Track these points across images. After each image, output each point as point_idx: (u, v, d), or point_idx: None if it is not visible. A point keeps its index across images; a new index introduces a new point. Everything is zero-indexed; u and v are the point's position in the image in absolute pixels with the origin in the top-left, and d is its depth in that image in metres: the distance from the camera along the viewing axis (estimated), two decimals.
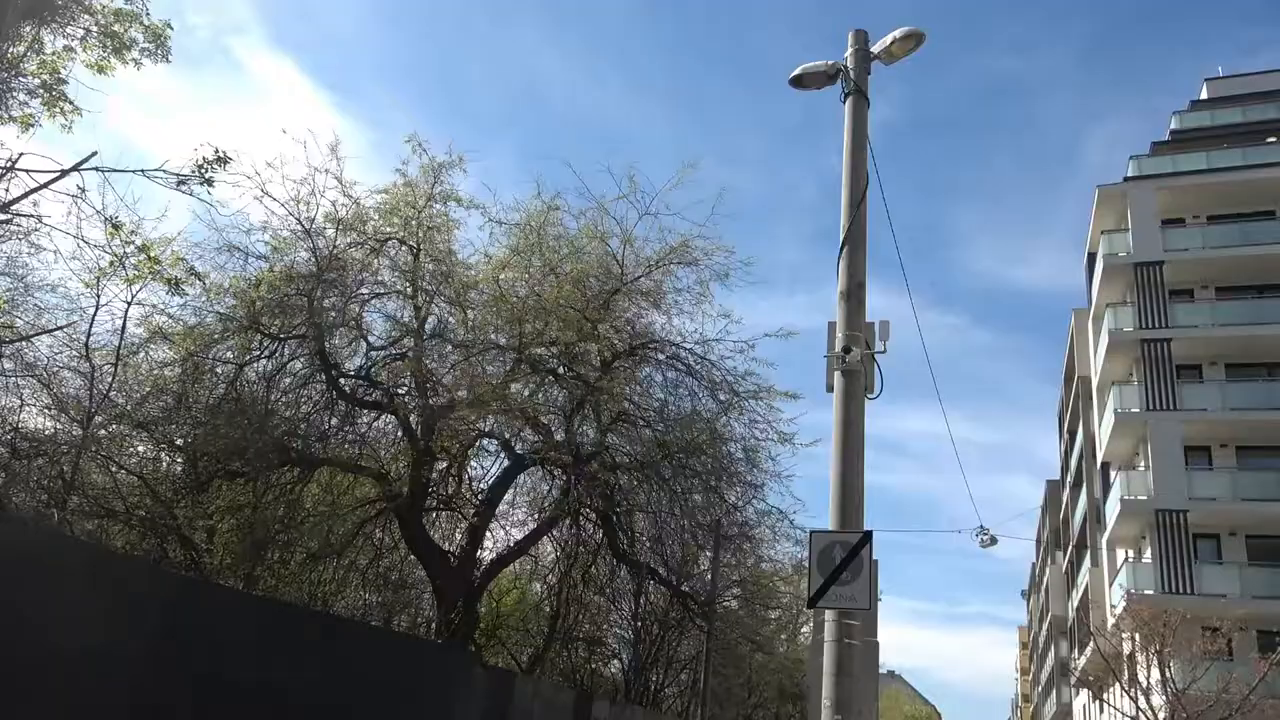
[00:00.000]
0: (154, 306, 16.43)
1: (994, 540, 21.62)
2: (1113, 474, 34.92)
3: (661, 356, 20.18)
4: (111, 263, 11.58)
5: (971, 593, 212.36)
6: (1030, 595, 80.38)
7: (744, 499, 21.07)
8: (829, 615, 6.49)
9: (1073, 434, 46.23)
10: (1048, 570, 58.62)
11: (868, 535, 6.64)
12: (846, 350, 7.49)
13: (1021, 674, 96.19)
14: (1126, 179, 37.16)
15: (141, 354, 16.80)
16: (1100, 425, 37.02)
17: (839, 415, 7.23)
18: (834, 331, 7.82)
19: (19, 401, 15.17)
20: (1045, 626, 60.34)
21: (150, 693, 9.73)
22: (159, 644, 9.85)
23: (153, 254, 11.09)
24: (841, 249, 8.06)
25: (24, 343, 14.29)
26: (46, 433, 15.20)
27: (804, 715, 51.19)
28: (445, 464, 20.31)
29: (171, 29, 11.68)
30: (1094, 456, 38.57)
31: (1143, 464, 32.95)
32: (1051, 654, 56.08)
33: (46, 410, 15.52)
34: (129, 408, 16.13)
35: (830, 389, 7.62)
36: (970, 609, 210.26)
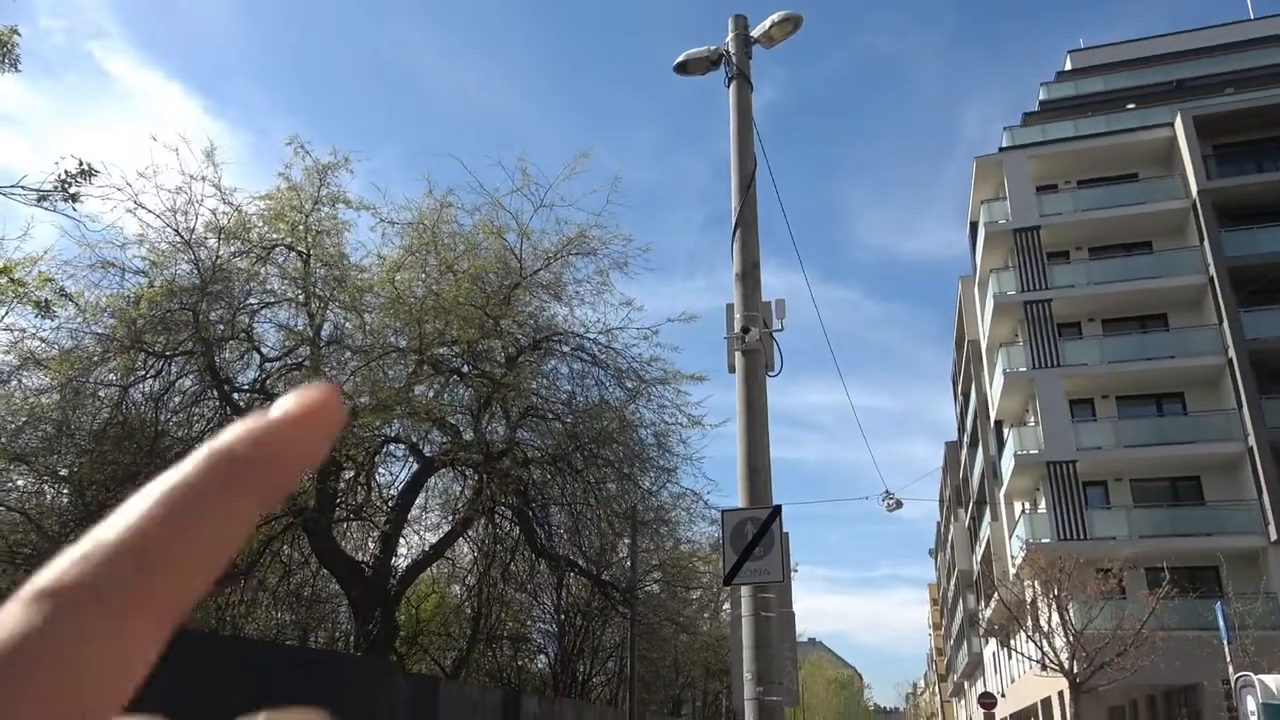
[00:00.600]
0: (24, 331, 15.52)
1: (899, 504, 22.39)
2: (1006, 431, 36.57)
3: (566, 348, 20.16)
4: None
5: (882, 556, 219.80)
6: (937, 553, 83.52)
7: (658, 484, 21.29)
8: (745, 591, 6.61)
9: (966, 396, 48.15)
10: (951, 528, 60.97)
11: (777, 510, 6.79)
12: (745, 330, 7.62)
13: (934, 629, 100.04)
14: (1001, 149, 38.78)
15: (14, 382, 15.84)
16: (991, 385, 38.66)
17: (742, 395, 7.35)
18: (732, 313, 7.94)
19: None
20: (953, 582, 62.81)
21: None
22: None
23: (15, 276, 10.44)
24: (735, 231, 8.18)
25: None
26: None
27: (730, 691, 52.04)
28: (352, 472, 19.83)
29: (19, 35, 10.99)
30: (987, 415, 40.27)
31: (1032, 419, 34.59)
32: (960, 607, 58.41)
33: None
34: (4, 440, 15.20)
35: (732, 369, 7.74)
36: (881, 572, 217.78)
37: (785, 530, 6.87)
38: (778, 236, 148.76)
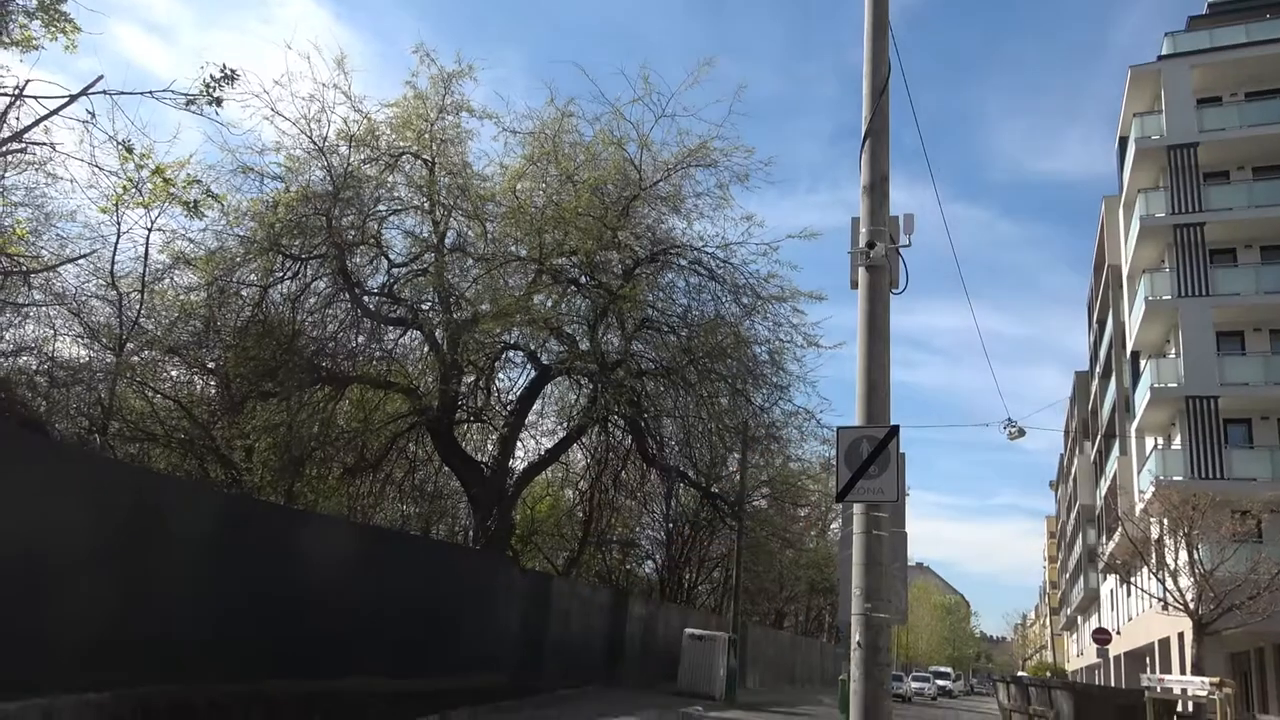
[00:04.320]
0: (175, 232, 16.48)
1: (1022, 432, 21.57)
2: (1143, 362, 34.62)
3: (683, 262, 20.05)
4: (126, 188, 11.53)
5: (1000, 485, 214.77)
6: (1058, 485, 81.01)
7: (770, 401, 21.21)
8: (857, 508, 6.56)
9: (1102, 324, 45.72)
10: (1076, 460, 58.88)
11: (894, 429, 6.65)
12: (870, 245, 7.36)
13: (1050, 562, 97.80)
14: (1160, 58, 35.65)
15: (166, 280, 16.91)
16: (1130, 314, 36.52)
17: (863, 310, 7.16)
18: (857, 227, 7.67)
19: (52, 331, 15.40)
20: (1073, 515, 60.96)
21: (217, 601, 10.13)
22: (220, 557, 10.21)
23: (167, 176, 11.02)
24: (864, 142, 7.84)
25: (51, 272, 14.40)
26: (81, 361, 15.46)
27: (834, 608, 52.54)
28: (473, 377, 20.53)
29: None
30: (1124, 345, 38.18)
31: (1173, 351, 32.61)
32: (1079, 542, 56.79)
33: (79, 339, 15.75)
34: (159, 333, 16.33)
35: (854, 285, 7.52)
36: (999, 501, 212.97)
37: (902, 451, 6.75)
38: (906, 148, 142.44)
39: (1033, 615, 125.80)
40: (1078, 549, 58.61)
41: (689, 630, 24.90)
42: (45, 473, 8.33)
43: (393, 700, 12.48)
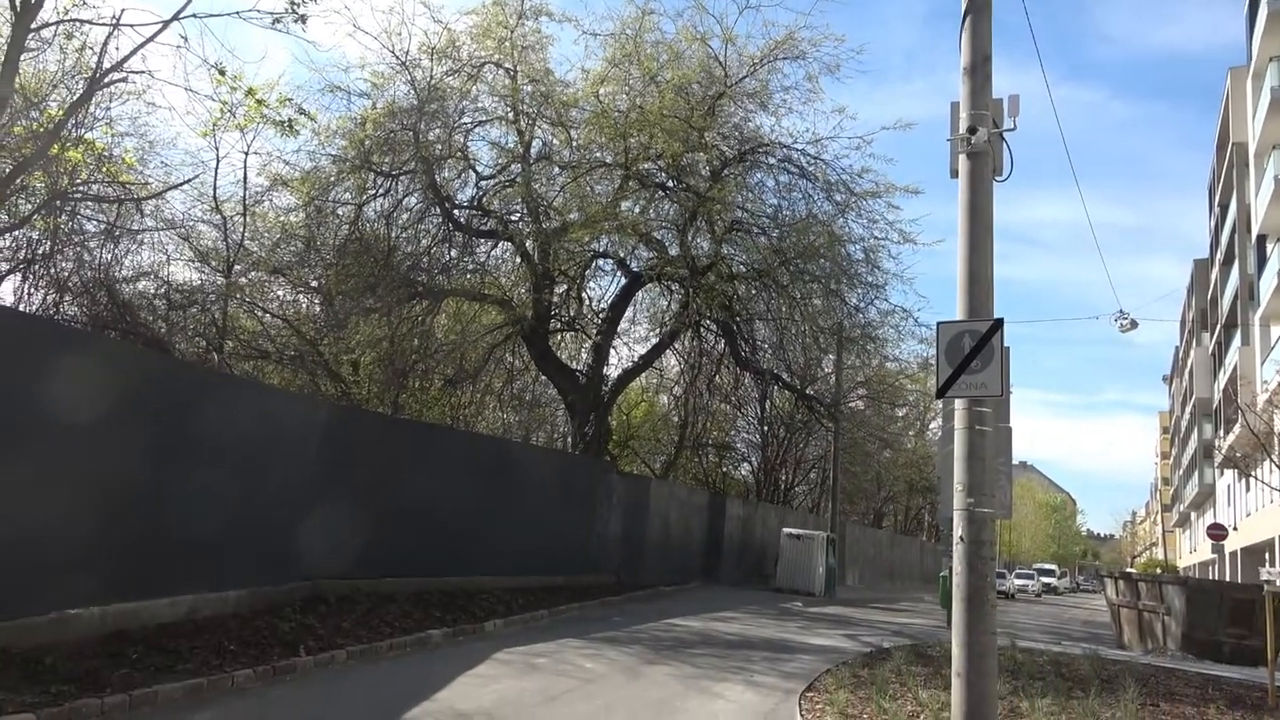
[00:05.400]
0: (270, 154, 16.95)
1: (1134, 324, 20.56)
2: (1269, 246, 32.41)
3: (772, 160, 19.53)
4: (222, 111, 11.81)
5: (1108, 381, 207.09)
6: (1172, 379, 77.70)
7: (866, 300, 20.72)
8: (959, 404, 6.40)
9: (1224, 207, 42.82)
10: (1192, 353, 56.19)
11: (999, 322, 6.41)
12: (972, 130, 6.97)
13: (1161, 458, 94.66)
14: None
15: (266, 202, 17.45)
16: (1257, 194, 34.03)
17: (965, 199, 6.83)
18: (957, 113, 7.26)
19: (165, 256, 16.15)
20: (1188, 410, 58.54)
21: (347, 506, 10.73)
22: (336, 464, 10.75)
23: (259, 98, 11.22)
24: (964, 20, 7.36)
25: (159, 199, 14.99)
26: (194, 284, 16.21)
27: (934, 507, 52.33)
28: (564, 287, 20.71)
29: None
30: (1248, 229, 35.74)
31: None
32: (1194, 436, 54.66)
33: (190, 263, 16.49)
34: (263, 254, 16.94)
35: (954, 174, 7.17)
36: (1106, 398, 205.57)
37: (1006, 345, 6.52)
38: (1009, 28, 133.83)
39: (1143, 512, 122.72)
40: (1192, 444, 56.47)
41: (787, 530, 25.21)
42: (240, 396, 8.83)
43: (506, 598, 13.09)
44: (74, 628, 7.14)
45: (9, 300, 13.38)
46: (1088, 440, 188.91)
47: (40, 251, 13.73)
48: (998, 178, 7.15)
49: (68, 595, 7.17)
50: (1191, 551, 60.95)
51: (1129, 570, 53.74)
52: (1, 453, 6.74)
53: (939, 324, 6.64)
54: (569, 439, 21.89)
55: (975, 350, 6.27)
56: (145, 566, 7.99)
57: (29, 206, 13.41)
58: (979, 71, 7.21)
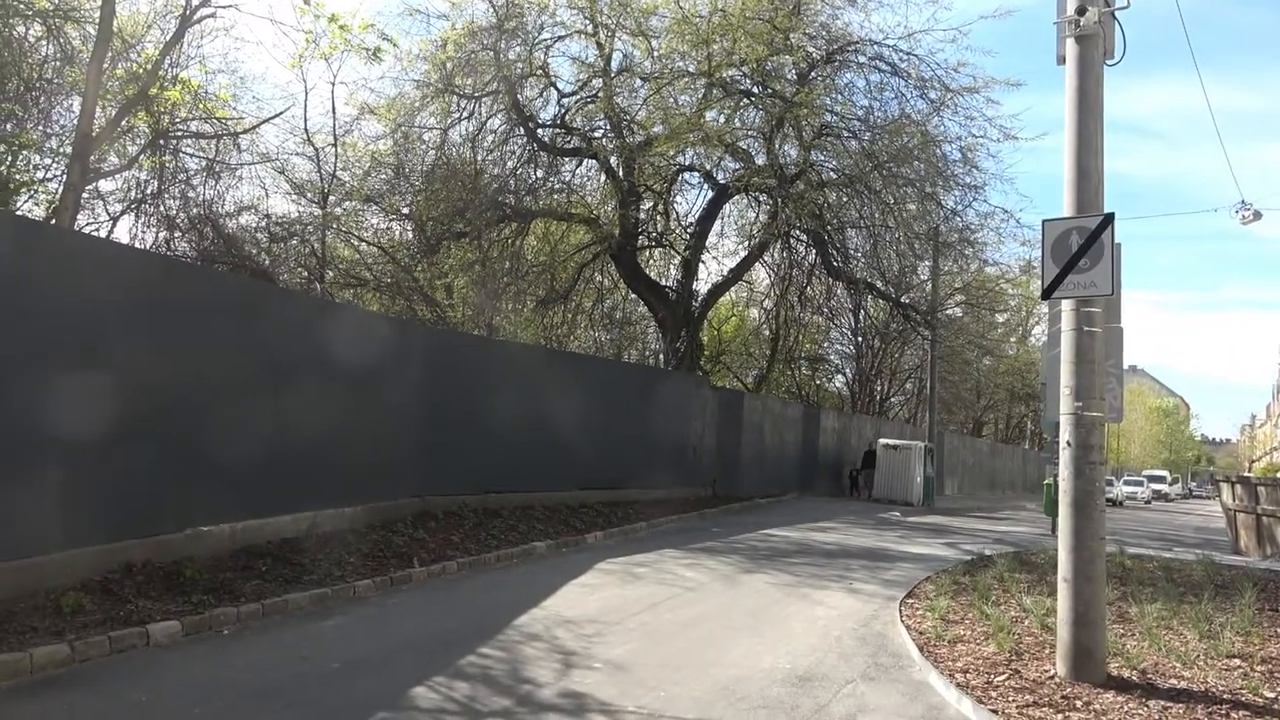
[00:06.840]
0: (356, 83, 17.11)
1: (1258, 216, 19.20)
2: None
3: (862, 59, 18.68)
4: (307, 41, 11.92)
5: (1225, 278, 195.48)
6: None
7: (963, 203, 19.92)
8: (1066, 305, 6.12)
9: None
10: None
11: (1109, 218, 6.06)
12: (1081, 11, 6.48)
13: None
14: None
15: (354, 132, 17.69)
16: None
17: (1073, 88, 6.40)
18: None
19: (263, 190, 16.63)
20: None
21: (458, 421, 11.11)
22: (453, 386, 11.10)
23: (342, 23, 11.27)
24: None
25: (254, 133, 15.35)
26: (292, 216, 16.68)
27: (1036, 415, 50.87)
28: (651, 202, 20.51)
29: None
30: None
31: None
32: None
33: (288, 195, 16.94)
34: (355, 184, 17.27)
35: (1061, 61, 6.71)
36: (1224, 295, 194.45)
37: (1117, 242, 6.18)
38: None
39: (1263, 416, 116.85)
40: None
41: (883, 440, 24.97)
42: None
43: (605, 511, 13.43)
44: (207, 543, 7.65)
45: (123, 239, 14.05)
46: (1204, 341, 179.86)
47: (149, 191, 14.30)
48: (1109, 62, 6.67)
49: (203, 512, 7.67)
50: None
51: (1246, 474, 51.55)
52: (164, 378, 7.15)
53: (1045, 221, 6.33)
54: (660, 356, 22.01)
55: (1084, 248, 5.96)
56: (271, 485, 8.46)
57: (134, 148, 13.93)
58: None
